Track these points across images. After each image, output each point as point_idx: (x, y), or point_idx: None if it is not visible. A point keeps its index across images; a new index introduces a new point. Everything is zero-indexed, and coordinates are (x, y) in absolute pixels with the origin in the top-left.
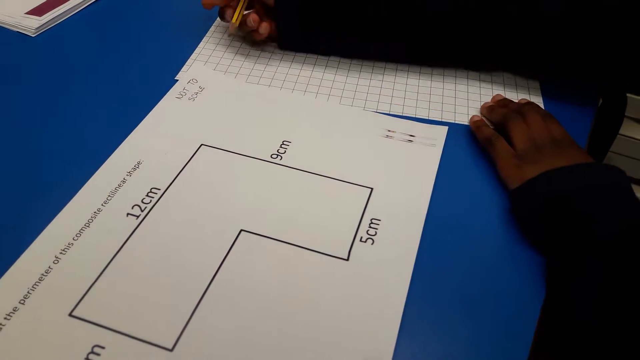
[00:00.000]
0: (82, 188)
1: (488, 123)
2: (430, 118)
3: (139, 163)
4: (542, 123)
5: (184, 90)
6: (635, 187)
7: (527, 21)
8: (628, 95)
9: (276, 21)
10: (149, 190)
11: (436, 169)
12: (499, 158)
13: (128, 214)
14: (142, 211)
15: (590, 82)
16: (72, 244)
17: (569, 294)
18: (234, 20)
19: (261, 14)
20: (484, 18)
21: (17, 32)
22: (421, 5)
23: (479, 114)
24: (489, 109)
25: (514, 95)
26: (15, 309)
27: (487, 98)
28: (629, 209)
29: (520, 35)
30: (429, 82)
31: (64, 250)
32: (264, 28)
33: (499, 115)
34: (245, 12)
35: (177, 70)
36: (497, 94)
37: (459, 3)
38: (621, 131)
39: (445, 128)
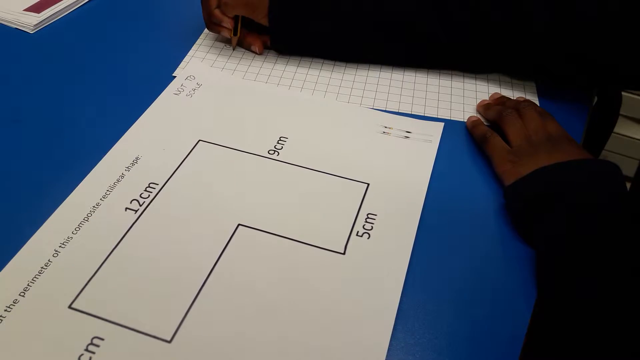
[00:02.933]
0: (81, 183)
1: (484, 121)
2: (426, 115)
3: (137, 158)
4: (538, 120)
5: (182, 87)
6: (629, 186)
7: (517, 31)
8: (623, 93)
9: (269, 30)
10: (147, 185)
11: (432, 165)
12: (494, 154)
13: (126, 208)
14: (140, 206)
15: (579, 87)
16: (72, 237)
17: (560, 291)
18: (234, 42)
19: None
20: (480, 30)
21: (16, 28)
22: (412, 26)
23: (476, 114)
24: (485, 107)
25: (510, 93)
26: (15, 302)
27: (483, 95)
28: (619, 207)
29: (512, 46)
30: (425, 78)
31: (63, 243)
32: (259, 48)
33: (494, 112)
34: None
35: (175, 67)
36: (495, 92)
37: (449, 23)
38: (616, 129)
39: (442, 124)
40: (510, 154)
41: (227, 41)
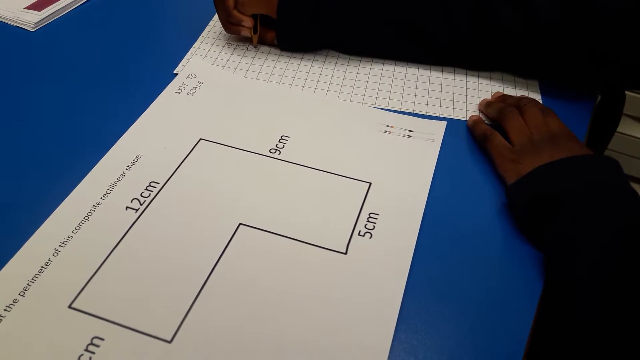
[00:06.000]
0: (82, 182)
1: (485, 119)
2: (428, 113)
3: (138, 157)
4: (539, 117)
5: (183, 85)
6: (633, 185)
7: (524, 28)
8: (626, 92)
9: (278, 25)
10: (148, 184)
11: (434, 164)
12: (495, 153)
13: (127, 207)
14: (141, 205)
15: (588, 84)
16: (72, 237)
17: (564, 291)
18: (255, 40)
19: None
20: (482, 28)
21: (17, 26)
22: (421, 27)
23: (478, 113)
24: (485, 105)
25: (513, 92)
26: (15, 301)
27: (486, 94)
28: (622, 204)
29: (518, 43)
30: (428, 77)
31: (63, 243)
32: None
33: (495, 110)
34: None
35: (176, 64)
36: (497, 92)
37: (455, 18)
38: (619, 129)
39: (444, 123)
40: (511, 153)
41: (241, 40)
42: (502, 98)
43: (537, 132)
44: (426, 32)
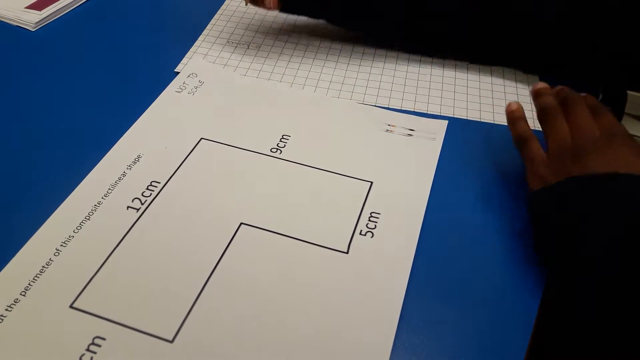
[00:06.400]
0: (83, 181)
1: (529, 110)
2: (429, 112)
3: (139, 157)
4: (586, 120)
5: (184, 84)
6: None
7: (526, 25)
8: (628, 92)
9: None
10: (149, 184)
11: (436, 163)
12: (527, 164)
13: (128, 207)
14: (142, 204)
15: (589, 81)
16: (73, 236)
17: (568, 293)
18: None
19: None
20: (485, 22)
21: (17, 26)
22: (422, 6)
23: (479, 111)
24: (536, 93)
25: (513, 89)
26: (16, 301)
27: (487, 92)
28: (626, 204)
29: (520, 39)
30: (429, 76)
31: (64, 242)
32: (273, 3)
33: (540, 106)
34: None
35: (177, 64)
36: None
37: (455, 11)
38: None
39: (445, 122)
40: (543, 167)
41: (241, 40)
42: (554, 91)
43: (579, 136)
44: (426, 32)
